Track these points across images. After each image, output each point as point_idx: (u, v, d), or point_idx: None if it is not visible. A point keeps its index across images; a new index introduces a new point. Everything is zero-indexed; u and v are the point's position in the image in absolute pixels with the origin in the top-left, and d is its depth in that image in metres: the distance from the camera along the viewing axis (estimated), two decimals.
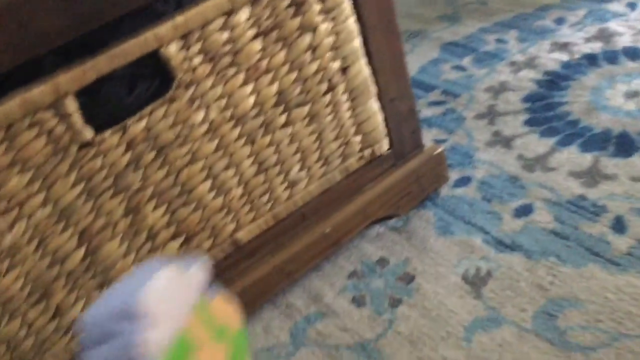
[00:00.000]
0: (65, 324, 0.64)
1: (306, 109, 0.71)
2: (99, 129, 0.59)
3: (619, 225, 0.74)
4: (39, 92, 0.54)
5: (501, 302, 0.70)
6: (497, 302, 0.70)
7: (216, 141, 0.66)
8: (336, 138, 0.75)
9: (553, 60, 1.05)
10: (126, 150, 0.61)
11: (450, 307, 0.71)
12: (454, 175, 0.88)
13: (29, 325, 0.61)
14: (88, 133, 0.58)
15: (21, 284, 0.59)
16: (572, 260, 0.72)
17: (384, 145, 0.79)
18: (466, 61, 1.13)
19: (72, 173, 0.59)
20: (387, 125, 0.79)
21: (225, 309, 0.47)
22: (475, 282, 0.73)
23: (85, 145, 0.59)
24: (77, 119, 0.57)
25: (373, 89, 0.75)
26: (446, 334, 0.69)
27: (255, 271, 0.75)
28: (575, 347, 0.63)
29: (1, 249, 0.56)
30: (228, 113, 0.65)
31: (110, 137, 0.60)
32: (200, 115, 0.64)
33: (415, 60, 1.17)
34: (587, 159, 0.84)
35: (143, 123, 0.61)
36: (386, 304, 0.74)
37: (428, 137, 0.95)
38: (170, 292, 0.39)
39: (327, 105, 0.72)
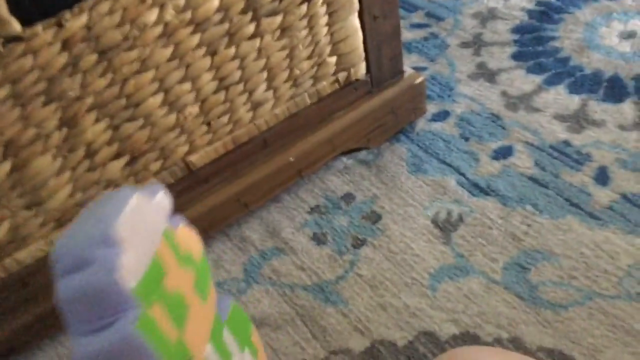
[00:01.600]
0: None
1: (278, 19, 0.61)
2: (28, 22, 0.49)
3: (602, 177, 0.69)
4: None
5: (471, 250, 0.66)
6: (466, 250, 0.66)
7: (171, 48, 0.57)
8: (309, 57, 0.66)
9: None
10: (62, 50, 0.51)
11: (417, 251, 0.67)
12: (431, 108, 0.82)
13: None
14: (15, 25, 0.48)
15: None
16: (549, 210, 0.67)
17: (360, 70, 0.71)
18: None
19: None
20: (366, 47, 0.70)
21: (189, 236, 0.45)
22: (446, 227, 0.68)
23: (12, 40, 0.49)
24: (2, 6, 0.47)
25: (355, 3, 0.66)
26: (410, 280, 0.64)
27: (208, 199, 0.68)
28: (545, 303, 0.60)
29: None
30: (187, 15, 0.56)
31: (43, 32, 0.50)
32: (153, 15, 0.54)
33: None
34: (574, 101, 0.79)
35: (83, 19, 0.51)
36: (349, 244, 0.69)
37: (406, 63, 0.87)
38: (141, 218, 0.38)
39: (303, 18, 0.63)
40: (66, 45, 0.51)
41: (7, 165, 0.54)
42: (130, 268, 0.34)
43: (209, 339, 0.43)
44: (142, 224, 0.38)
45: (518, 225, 0.67)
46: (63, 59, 0.52)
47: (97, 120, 0.56)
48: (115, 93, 0.56)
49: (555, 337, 0.57)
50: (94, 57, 0.53)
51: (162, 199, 0.42)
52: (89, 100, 0.55)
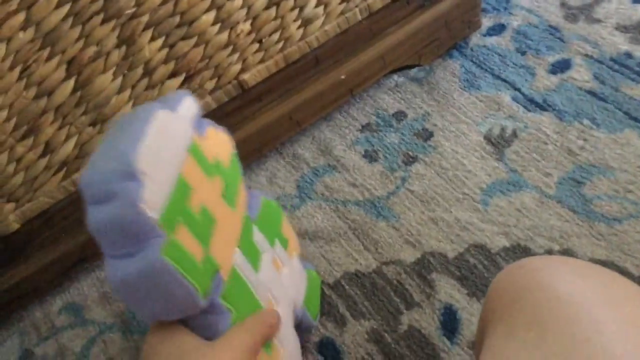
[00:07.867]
0: (57, 162, 0.59)
1: None
2: None
3: None
4: None
5: (524, 165, 0.65)
6: (520, 165, 0.65)
7: None
8: None
9: None
10: None
11: (469, 167, 0.67)
12: (486, 22, 0.79)
13: (17, 160, 0.57)
14: None
15: (5, 115, 0.53)
16: (607, 124, 0.66)
17: None
18: None
19: None
20: None
21: (217, 140, 0.46)
22: (499, 143, 0.68)
23: None
24: None
25: None
26: (462, 196, 0.65)
27: (261, 117, 0.70)
28: (599, 217, 0.59)
29: None
30: None
31: None
32: None
33: None
34: (638, 11, 0.75)
35: None
36: (400, 161, 0.69)
37: None
38: (163, 141, 0.39)
39: None
40: None
41: (70, 83, 0.56)
42: (152, 199, 0.36)
43: (238, 244, 0.44)
44: (165, 148, 0.38)
45: (574, 140, 0.65)
46: None
47: (153, 38, 0.58)
48: (170, 11, 0.57)
49: (608, 250, 0.57)
50: None
51: (188, 108, 0.43)
52: (145, 19, 0.56)
